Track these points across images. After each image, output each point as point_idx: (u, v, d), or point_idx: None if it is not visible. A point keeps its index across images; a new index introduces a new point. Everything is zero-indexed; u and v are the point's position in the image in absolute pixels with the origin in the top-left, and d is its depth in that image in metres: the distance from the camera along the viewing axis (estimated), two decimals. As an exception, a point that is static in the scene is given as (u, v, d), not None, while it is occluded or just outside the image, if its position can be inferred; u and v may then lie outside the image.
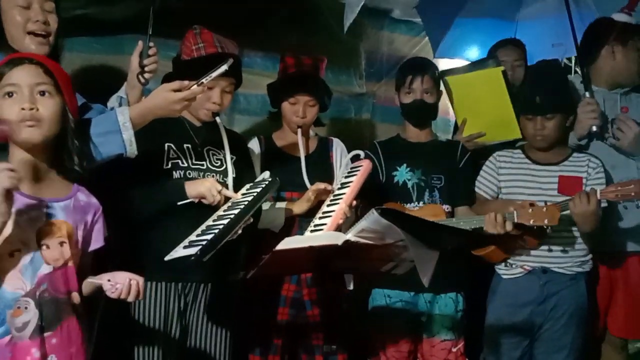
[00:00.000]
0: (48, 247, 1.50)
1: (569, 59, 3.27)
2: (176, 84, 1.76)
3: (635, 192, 2.07)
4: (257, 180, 2.05)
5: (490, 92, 2.54)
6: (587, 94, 2.42)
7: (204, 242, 1.65)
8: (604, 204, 2.19)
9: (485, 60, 2.69)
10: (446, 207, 2.38)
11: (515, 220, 2.16)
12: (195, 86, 1.76)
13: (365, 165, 2.17)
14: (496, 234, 2.17)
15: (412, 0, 3.08)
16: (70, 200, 1.58)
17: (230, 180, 2.03)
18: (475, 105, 2.60)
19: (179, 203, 1.86)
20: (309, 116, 2.32)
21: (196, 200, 1.88)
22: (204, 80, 1.78)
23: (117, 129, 1.71)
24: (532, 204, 2.17)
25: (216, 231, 1.71)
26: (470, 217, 2.28)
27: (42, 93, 1.52)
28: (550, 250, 2.29)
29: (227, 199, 1.94)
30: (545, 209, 2.13)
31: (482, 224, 2.19)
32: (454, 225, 2.25)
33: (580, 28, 2.58)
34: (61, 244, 1.52)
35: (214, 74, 1.79)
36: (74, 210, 1.58)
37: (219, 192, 1.87)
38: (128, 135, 1.71)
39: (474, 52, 3.38)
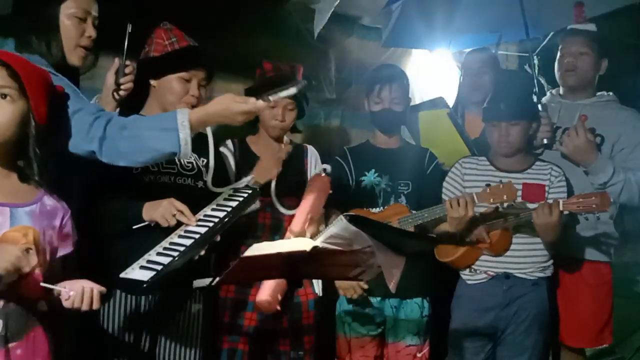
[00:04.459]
0: None
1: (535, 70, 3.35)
2: (242, 97, 1.72)
3: (597, 204, 2.12)
4: (239, 186, 2.02)
5: (441, 127, 2.72)
6: (540, 107, 2.50)
7: (159, 268, 1.61)
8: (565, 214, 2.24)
9: (436, 101, 2.82)
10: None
11: (476, 202, 2.19)
12: (260, 101, 1.70)
13: (318, 183, 2.17)
14: (459, 229, 2.22)
15: (381, 8, 3.11)
16: (36, 205, 1.52)
17: (209, 177, 1.99)
18: (432, 138, 2.75)
19: (134, 227, 1.80)
20: (288, 120, 2.33)
21: (152, 224, 1.82)
22: (270, 97, 1.72)
23: (174, 126, 1.63)
24: (488, 185, 2.22)
25: (175, 254, 1.66)
26: (432, 207, 2.28)
27: (3, 96, 1.46)
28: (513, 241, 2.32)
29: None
30: (501, 186, 2.17)
31: (444, 212, 2.23)
32: (418, 217, 2.29)
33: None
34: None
35: (282, 94, 1.75)
36: (40, 215, 1.52)
37: (174, 215, 1.79)
38: (184, 134, 1.63)
39: (419, 41, 3.42)
